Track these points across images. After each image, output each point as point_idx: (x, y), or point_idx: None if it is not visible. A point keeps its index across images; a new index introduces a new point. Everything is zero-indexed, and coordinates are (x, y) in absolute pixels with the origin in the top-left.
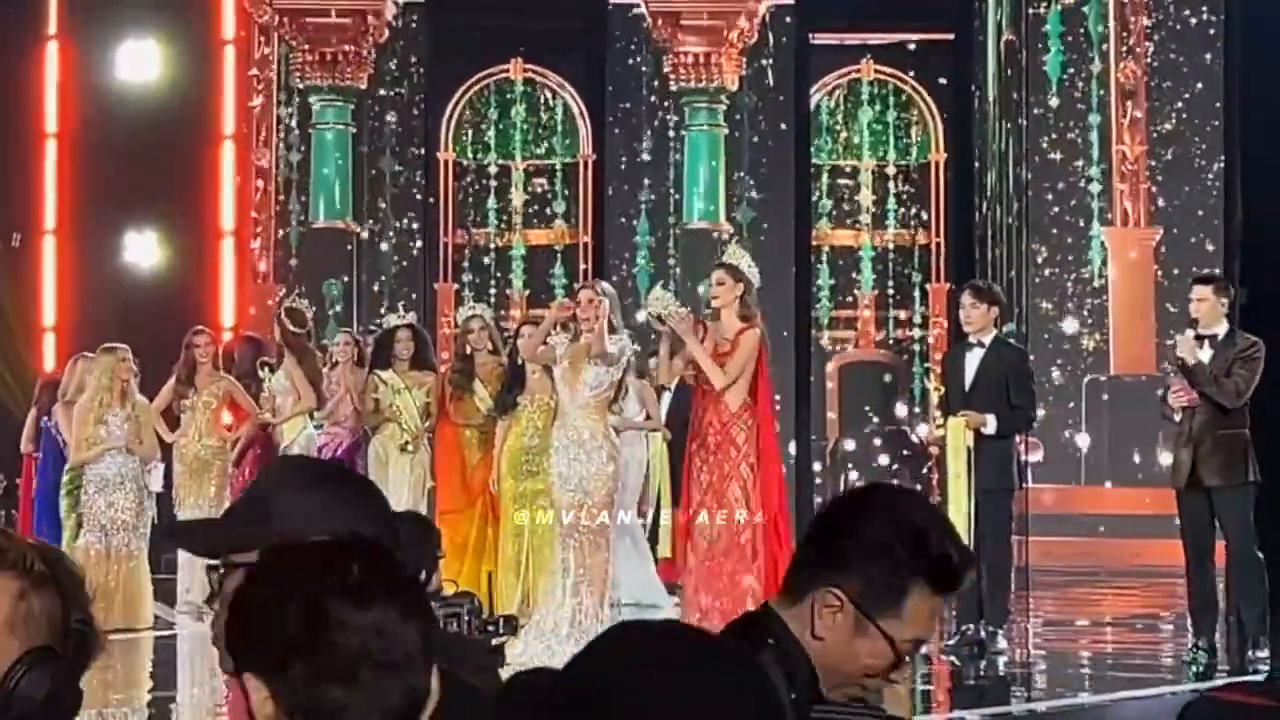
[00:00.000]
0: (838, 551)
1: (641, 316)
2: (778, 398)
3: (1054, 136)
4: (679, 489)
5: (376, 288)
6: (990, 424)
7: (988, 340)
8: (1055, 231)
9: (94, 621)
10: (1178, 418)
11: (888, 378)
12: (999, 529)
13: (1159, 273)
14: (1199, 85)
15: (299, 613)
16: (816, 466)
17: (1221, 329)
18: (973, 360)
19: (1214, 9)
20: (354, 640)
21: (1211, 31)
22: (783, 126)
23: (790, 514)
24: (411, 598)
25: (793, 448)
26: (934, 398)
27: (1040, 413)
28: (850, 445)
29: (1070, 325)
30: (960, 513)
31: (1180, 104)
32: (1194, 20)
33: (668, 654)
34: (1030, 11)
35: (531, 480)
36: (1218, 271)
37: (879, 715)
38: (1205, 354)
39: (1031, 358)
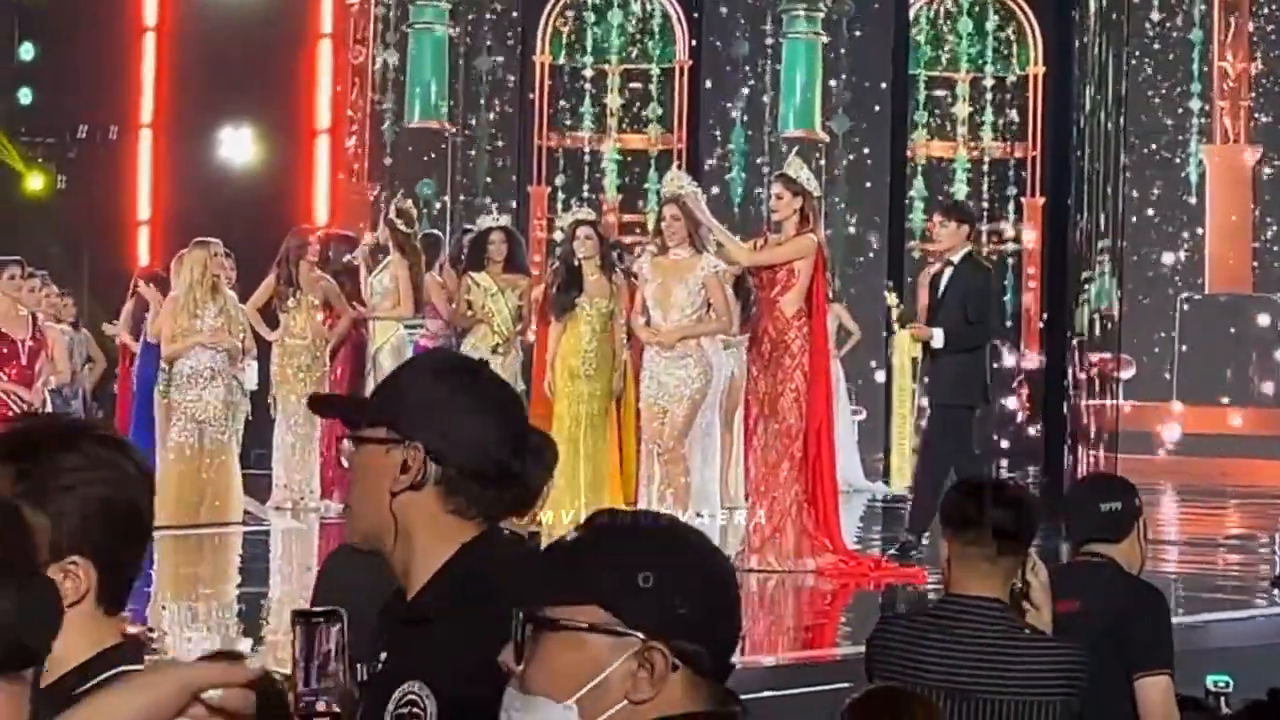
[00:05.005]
0: None
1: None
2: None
3: (1155, 51)
4: None
5: (470, 189)
6: (938, 338)
7: (957, 259)
8: (1153, 148)
9: None
10: None
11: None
12: (958, 443)
13: (1258, 192)
14: None
15: None
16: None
17: None
18: (944, 279)
19: None
20: None
21: None
22: (881, 36)
23: (834, 424)
24: None
25: (881, 358)
26: (894, 314)
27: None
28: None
29: (1166, 243)
30: (905, 425)
31: None
32: None
33: None
34: None
35: (587, 383)
36: None
37: None
38: None
39: (1125, 289)
